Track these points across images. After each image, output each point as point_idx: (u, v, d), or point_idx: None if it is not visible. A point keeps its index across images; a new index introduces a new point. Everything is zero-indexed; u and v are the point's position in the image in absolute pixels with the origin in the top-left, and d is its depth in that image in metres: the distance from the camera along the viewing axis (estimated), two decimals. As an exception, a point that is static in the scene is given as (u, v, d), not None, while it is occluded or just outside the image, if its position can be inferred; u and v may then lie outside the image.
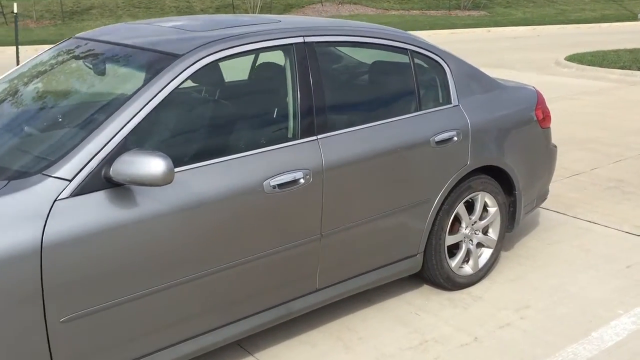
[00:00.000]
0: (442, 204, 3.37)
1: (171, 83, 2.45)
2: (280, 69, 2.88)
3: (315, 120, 2.81)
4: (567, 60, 12.89)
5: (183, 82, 2.51)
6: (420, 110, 3.27)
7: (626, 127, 7.58)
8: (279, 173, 2.63)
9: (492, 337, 3.16)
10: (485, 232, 3.75)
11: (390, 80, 3.31)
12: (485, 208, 3.67)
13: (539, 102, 3.94)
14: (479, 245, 3.72)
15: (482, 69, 3.92)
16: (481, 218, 3.66)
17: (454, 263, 3.53)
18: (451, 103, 3.41)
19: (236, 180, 2.53)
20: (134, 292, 2.30)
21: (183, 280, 2.42)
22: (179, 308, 2.46)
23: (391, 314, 3.35)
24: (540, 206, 4.89)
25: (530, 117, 3.82)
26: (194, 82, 2.73)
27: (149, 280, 2.33)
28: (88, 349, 2.24)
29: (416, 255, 3.34)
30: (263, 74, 3.18)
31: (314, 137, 2.80)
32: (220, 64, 2.71)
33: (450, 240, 3.49)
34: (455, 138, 3.31)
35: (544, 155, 3.96)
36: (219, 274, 2.54)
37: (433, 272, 3.48)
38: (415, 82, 3.28)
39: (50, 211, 2.09)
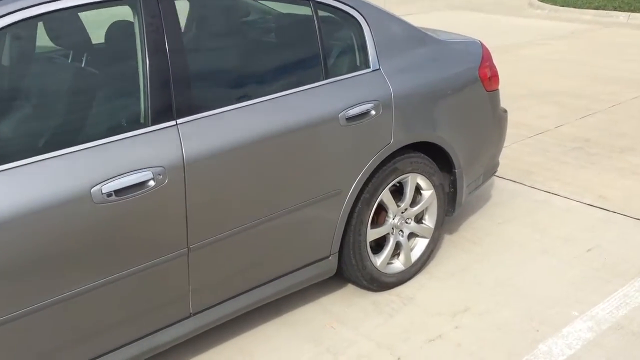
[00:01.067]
0: (360, 193, 2.74)
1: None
2: (123, 31, 2.19)
3: (173, 99, 2.14)
4: (541, 1, 12.11)
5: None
6: (327, 78, 2.59)
7: (596, 75, 6.95)
8: (116, 176, 1.98)
9: (418, 355, 2.60)
10: (419, 219, 3.15)
11: (285, 40, 2.63)
12: (418, 191, 3.06)
13: (485, 58, 3.28)
14: (412, 235, 3.13)
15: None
16: (413, 204, 3.06)
17: (379, 260, 2.94)
18: (369, 67, 2.74)
19: (55, 188, 1.87)
20: None
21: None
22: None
23: (301, 329, 2.77)
24: (495, 174, 4.31)
25: (473, 79, 3.17)
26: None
27: None
28: None
29: (328, 257, 2.74)
30: (99, 38, 2.46)
31: (172, 122, 2.13)
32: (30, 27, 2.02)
33: (373, 234, 2.89)
34: (374, 112, 2.66)
35: (491, 124, 3.33)
36: (44, 311, 1.92)
37: (353, 273, 2.89)
38: (319, 41, 2.59)
39: None
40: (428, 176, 3.01)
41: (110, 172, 1.97)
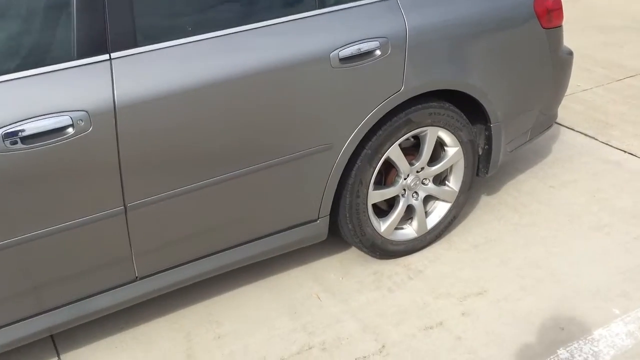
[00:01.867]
0: (360, 148, 2.30)
1: None
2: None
3: (108, 27, 1.76)
4: None
5: None
6: (321, 7, 2.11)
7: None
8: (29, 118, 1.66)
9: (405, 345, 2.21)
10: (442, 180, 2.67)
11: None
12: (442, 147, 2.57)
13: (547, -13, 2.64)
14: (431, 198, 2.66)
15: None
16: (433, 162, 2.58)
17: (384, 226, 2.52)
18: (384, -7, 2.22)
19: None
20: None
21: None
22: None
23: (283, 297, 2.44)
24: (566, 126, 3.70)
25: (526, 13, 2.55)
26: None
27: None
28: None
29: (316, 220, 2.35)
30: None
31: (105, 57, 1.77)
32: None
33: (377, 196, 2.45)
34: (379, 52, 2.16)
35: (547, 69, 2.72)
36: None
37: (351, 239, 2.50)
38: (313, -41, 2.10)
39: None
40: (453, 130, 2.50)
41: (18, 114, 1.65)
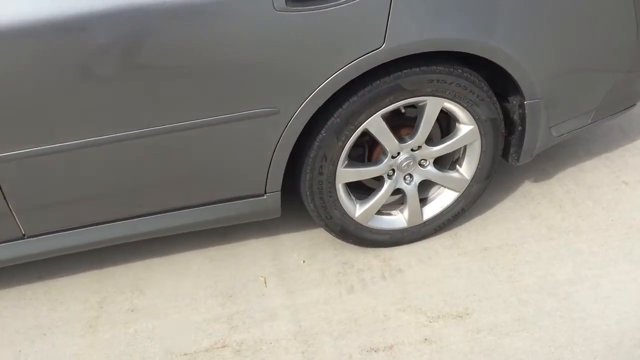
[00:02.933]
0: (327, 116, 1.79)
1: None
2: None
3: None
4: None
5: None
6: None
7: None
8: None
9: (337, 369, 1.79)
10: (452, 163, 2.11)
11: None
12: (455, 122, 1.99)
13: None
14: (428, 184, 2.12)
15: None
16: (436, 140, 2.01)
17: (360, 210, 2.03)
18: None
19: None
20: None
21: None
22: None
23: (225, 274, 2.08)
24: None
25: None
26: None
27: None
28: None
29: (263, 195, 1.92)
30: None
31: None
32: None
33: (349, 175, 1.95)
34: (349, -7, 1.60)
35: (628, 22, 1.96)
36: None
37: (317, 221, 2.05)
38: None
39: None
40: (466, 104, 1.90)
41: None
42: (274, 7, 1.56)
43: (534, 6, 1.78)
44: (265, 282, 2.05)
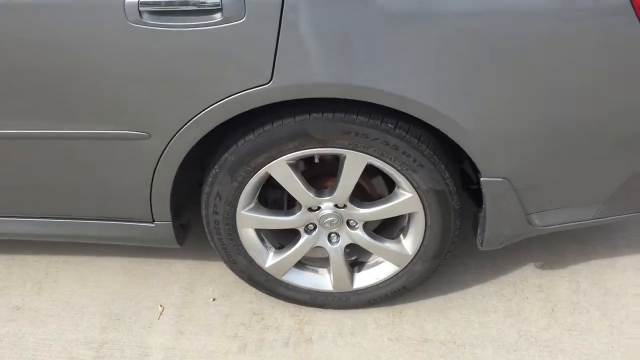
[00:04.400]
0: (221, 151, 1.52)
1: None
2: None
3: None
4: None
5: None
6: None
7: None
8: None
9: None
10: (398, 232, 1.71)
11: None
12: (398, 185, 1.58)
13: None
14: (361, 253, 1.74)
15: None
16: (371, 203, 1.62)
17: (272, 261, 1.72)
18: None
19: None
20: None
21: None
22: None
23: (128, 292, 1.90)
24: None
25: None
26: None
27: None
28: None
29: (152, 222, 1.68)
30: None
31: None
32: None
33: (251, 221, 1.64)
34: (221, 13, 1.27)
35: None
36: None
37: (225, 263, 1.78)
38: None
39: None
40: (400, 168, 1.50)
41: None
42: (127, 19, 1.30)
43: (477, 50, 1.31)
44: (161, 313, 1.84)
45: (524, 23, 1.29)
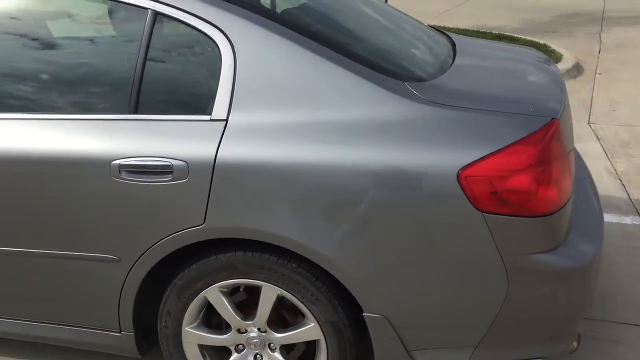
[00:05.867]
0: (172, 276, 2.02)
1: None
2: None
3: None
4: None
5: None
6: (134, 113, 1.92)
7: None
8: None
9: None
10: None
11: (94, 58, 1.99)
12: (305, 315, 2.00)
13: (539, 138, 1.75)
14: None
15: None
16: (278, 327, 2.03)
17: (207, 376, 2.12)
18: (209, 115, 1.88)
19: None
20: None
21: None
22: None
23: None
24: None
25: (450, 183, 1.75)
26: None
27: None
28: None
29: (119, 332, 2.14)
30: None
31: None
32: None
33: (194, 337, 2.07)
34: (172, 174, 1.85)
35: (489, 280, 1.80)
36: None
37: (171, 370, 2.18)
38: (139, 64, 1.92)
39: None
40: (302, 300, 1.93)
41: None
42: (110, 173, 1.90)
43: (366, 232, 1.79)
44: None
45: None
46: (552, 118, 1.84)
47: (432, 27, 2.87)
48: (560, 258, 1.82)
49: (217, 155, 1.83)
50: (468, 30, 8.46)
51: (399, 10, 2.81)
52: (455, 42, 2.62)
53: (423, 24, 2.76)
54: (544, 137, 1.78)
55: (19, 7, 2.07)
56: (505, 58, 2.56)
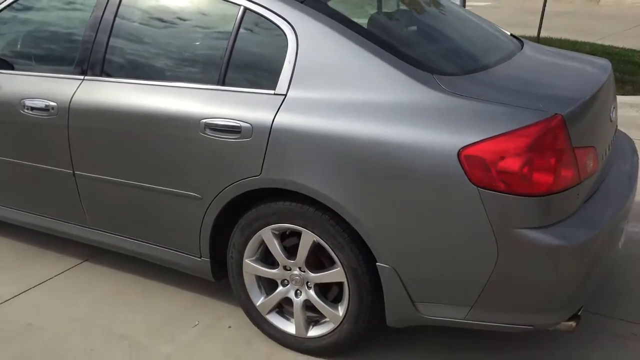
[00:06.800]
0: (233, 215, 2.56)
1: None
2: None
3: (84, 58, 2.80)
4: None
5: None
6: (222, 85, 2.48)
7: None
8: (35, 97, 2.89)
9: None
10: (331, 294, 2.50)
11: (192, 36, 2.62)
12: (332, 259, 2.43)
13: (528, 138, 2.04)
14: (310, 308, 2.53)
15: None
16: (314, 269, 2.47)
17: (259, 301, 2.62)
18: (273, 89, 2.38)
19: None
20: None
21: None
22: None
23: (172, 305, 2.92)
24: None
25: (443, 156, 2.09)
26: None
27: None
28: None
29: (199, 257, 2.71)
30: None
31: (81, 77, 2.81)
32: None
33: (249, 267, 2.59)
34: (241, 133, 2.38)
35: (484, 248, 2.10)
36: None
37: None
38: (229, 48, 2.48)
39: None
40: (331, 246, 2.36)
41: (32, 94, 2.91)
42: (198, 130, 2.48)
43: (385, 197, 2.19)
44: (195, 325, 2.80)
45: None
46: (555, 114, 2.09)
47: (512, 35, 3.14)
48: (547, 236, 2.07)
49: (274, 122, 2.34)
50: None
51: (475, 16, 3.12)
52: (525, 46, 2.89)
53: (496, 30, 3.05)
54: (540, 129, 2.05)
55: (157, 8, 2.75)
56: (558, 64, 2.78)
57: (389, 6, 3.08)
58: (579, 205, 2.22)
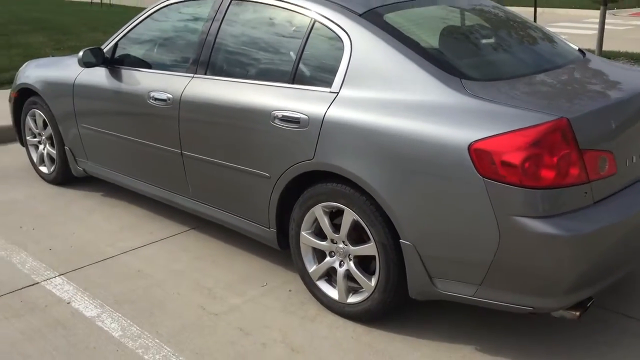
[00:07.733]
0: (294, 193, 3.04)
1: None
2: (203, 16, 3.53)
3: (195, 60, 3.45)
4: None
5: None
6: (291, 83, 2.97)
7: None
8: (158, 90, 3.59)
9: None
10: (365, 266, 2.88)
11: (274, 44, 3.14)
12: (367, 235, 2.80)
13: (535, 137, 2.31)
14: (351, 278, 2.92)
15: None
16: (354, 243, 2.85)
17: (312, 268, 3.07)
18: (329, 87, 2.82)
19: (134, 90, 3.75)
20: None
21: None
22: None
23: (255, 265, 3.44)
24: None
25: (454, 150, 2.40)
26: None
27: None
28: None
29: (268, 228, 3.21)
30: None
31: (191, 75, 3.45)
32: None
33: (309, 241, 3.04)
34: (300, 123, 2.85)
35: (488, 232, 2.36)
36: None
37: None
38: (299, 52, 2.96)
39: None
40: (367, 223, 2.74)
41: (157, 87, 3.62)
42: (269, 120, 3.00)
43: (413, 186, 2.56)
44: (264, 286, 3.31)
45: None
46: (561, 117, 2.32)
47: (580, 50, 3.30)
48: (545, 225, 2.30)
49: (325, 115, 2.79)
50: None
51: (538, 29, 3.33)
52: (583, 58, 3.09)
53: (558, 42, 3.24)
54: (543, 129, 2.30)
55: (247, 23, 3.34)
56: (602, 75, 2.93)
57: (449, 19, 3.37)
58: (589, 202, 2.40)
